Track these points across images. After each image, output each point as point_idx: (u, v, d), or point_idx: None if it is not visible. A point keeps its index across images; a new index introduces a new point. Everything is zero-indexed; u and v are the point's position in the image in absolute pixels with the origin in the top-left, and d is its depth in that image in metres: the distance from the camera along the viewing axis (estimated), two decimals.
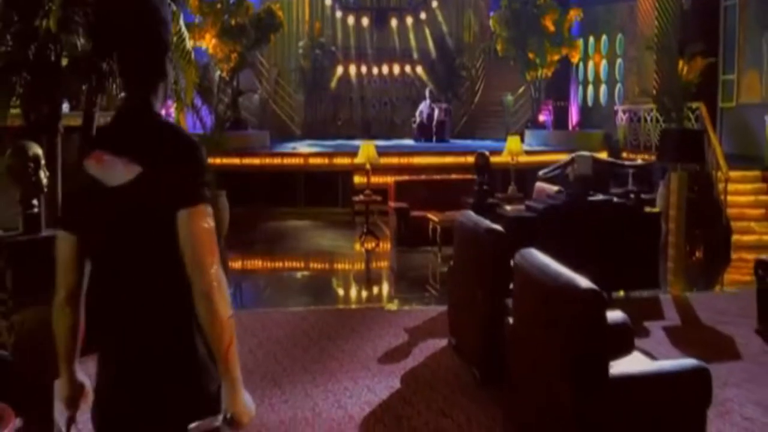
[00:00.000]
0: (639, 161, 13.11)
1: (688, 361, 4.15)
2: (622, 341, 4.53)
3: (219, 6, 17.38)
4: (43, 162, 4.50)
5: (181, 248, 2.16)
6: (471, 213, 6.47)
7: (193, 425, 2.18)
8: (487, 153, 9.16)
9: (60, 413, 2.56)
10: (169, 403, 2.22)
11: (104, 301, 2.32)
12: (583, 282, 3.88)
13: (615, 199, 8.27)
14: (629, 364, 4.13)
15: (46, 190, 4.61)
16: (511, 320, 4.70)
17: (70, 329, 2.39)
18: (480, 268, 5.62)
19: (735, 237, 12.08)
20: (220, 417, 2.24)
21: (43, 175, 4.49)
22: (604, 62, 20.23)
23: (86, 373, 2.50)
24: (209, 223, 2.19)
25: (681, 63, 14.37)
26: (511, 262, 4.78)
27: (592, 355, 3.79)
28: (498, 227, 5.62)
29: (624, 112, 17.41)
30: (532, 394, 4.31)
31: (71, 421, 2.51)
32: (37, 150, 4.49)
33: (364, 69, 22.74)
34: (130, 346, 2.25)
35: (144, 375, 2.22)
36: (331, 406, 5.20)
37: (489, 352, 5.31)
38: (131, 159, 2.18)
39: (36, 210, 4.52)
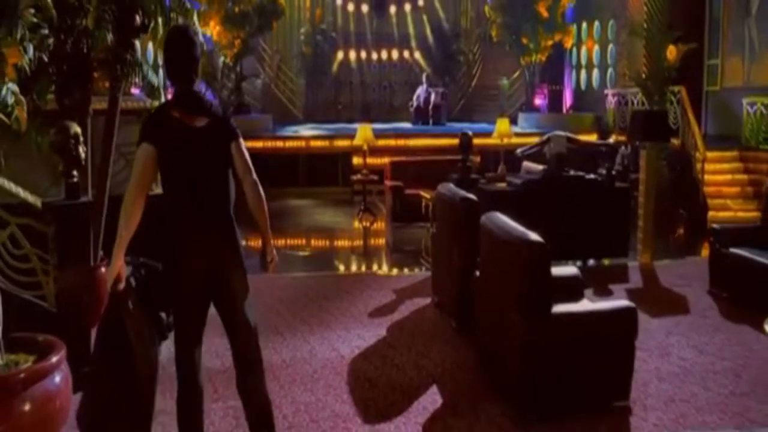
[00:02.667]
0: (611, 141, 13.87)
1: (620, 302, 4.99)
2: (573, 290, 5.38)
3: None
4: (81, 139, 5.31)
5: (234, 162, 3.73)
6: (450, 185, 7.27)
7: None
8: (470, 133, 9.93)
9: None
10: (230, 253, 3.80)
11: (182, 195, 3.71)
12: (533, 236, 4.68)
13: (587, 176, 9.05)
14: (573, 306, 4.95)
15: (83, 163, 5.43)
16: (478, 273, 5.53)
17: (135, 221, 3.63)
18: (456, 231, 6.45)
19: (711, 213, 12.83)
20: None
21: (82, 150, 5.29)
22: (596, 47, 20.79)
23: None
24: (245, 149, 3.78)
25: (669, 48, 15.05)
26: None
27: (537, 294, 4.60)
28: (471, 196, 6.44)
29: (613, 95, 18.13)
30: (492, 329, 5.14)
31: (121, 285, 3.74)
32: (77, 129, 5.30)
33: (363, 54, 23.43)
34: (202, 220, 3.73)
35: (213, 236, 3.76)
36: (325, 349, 6.04)
37: (463, 304, 6.12)
38: (201, 114, 3.71)
39: (75, 179, 5.32)
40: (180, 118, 3.70)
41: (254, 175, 3.78)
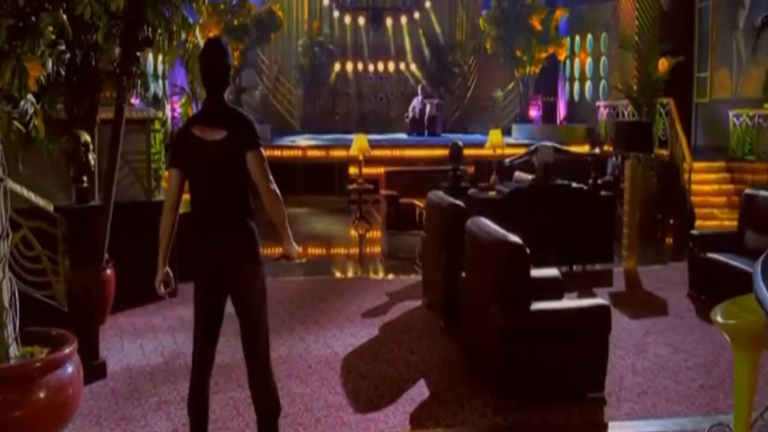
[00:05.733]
0: (597, 151, 14.23)
1: (594, 300, 5.34)
2: (554, 290, 5.71)
3: (222, 6, 18.48)
4: (91, 147, 5.64)
5: (250, 171, 3.97)
6: (439, 192, 7.64)
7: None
8: (460, 143, 10.31)
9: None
10: (245, 250, 4.06)
11: (201, 205, 4.09)
12: (512, 237, 5.03)
13: (573, 184, 9.40)
14: (551, 304, 5.28)
15: (93, 169, 5.76)
16: (464, 274, 5.87)
17: (170, 229, 4.11)
18: (443, 235, 6.80)
19: (698, 222, 13.16)
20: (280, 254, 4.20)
21: (91, 157, 5.62)
22: (589, 60, 21.18)
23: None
24: (263, 157, 4.01)
25: (660, 61, 15.43)
26: None
27: (517, 291, 4.94)
28: (458, 202, 6.80)
29: (605, 107, 18.51)
30: (475, 325, 5.48)
31: (168, 288, 4.20)
32: (87, 137, 5.62)
33: (360, 66, 23.77)
34: (219, 225, 4.05)
35: (227, 238, 4.06)
36: (320, 347, 6.37)
37: (450, 303, 6.45)
38: (220, 128, 3.99)
39: (86, 185, 5.64)
40: (200, 135, 4.01)
41: (270, 183, 4.00)
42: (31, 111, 4.13)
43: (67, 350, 4.50)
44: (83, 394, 4.84)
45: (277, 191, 4.03)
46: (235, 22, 18.44)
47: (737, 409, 4.20)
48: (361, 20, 23.45)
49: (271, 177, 4.03)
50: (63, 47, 4.79)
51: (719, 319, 4.17)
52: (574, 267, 9.44)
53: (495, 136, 14.20)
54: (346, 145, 15.35)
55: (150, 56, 13.09)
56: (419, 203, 11.44)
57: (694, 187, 13.75)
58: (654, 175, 14.15)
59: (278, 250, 4.25)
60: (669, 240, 13.18)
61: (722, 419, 4.74)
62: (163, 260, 4.14)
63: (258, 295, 4.14)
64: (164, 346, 6.42)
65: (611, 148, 16.09)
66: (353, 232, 13.08)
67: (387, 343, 6.45)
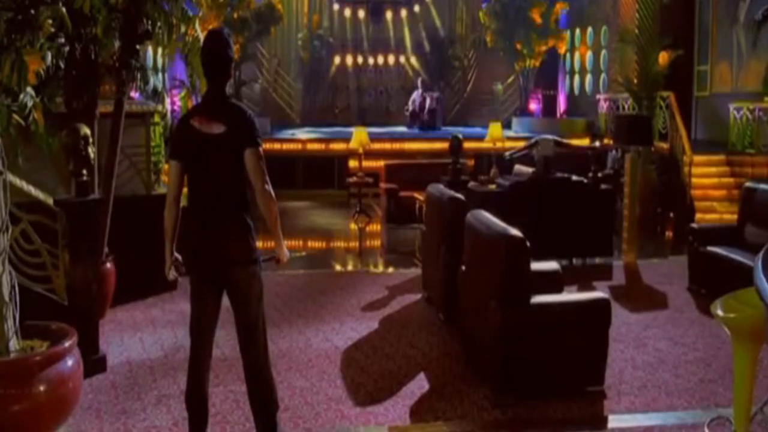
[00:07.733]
0: (597, 144, 14.22)
1: (594, 294, 5.33)
2: (553, 283, 5.72)
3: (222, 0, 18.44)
4: (91, 140, 5.63)
5: (246, 169, 3.97)
6: (440, 185, 7.63)
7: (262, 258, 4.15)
8: (460, 136, 10.31)
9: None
10: (242, 246, 4.05)
11: (199, 197, 4.08)
12: (512, 230, 5.02)
13: (574, 178, 9.39)
14: (551, 297, 5.28)
15: (93, 163, 5.76)
16: (463, 268, 5.87)
17: (174, 220, 4.12)
18: (443, 228, 6.80)
19: (698, 215, 13.15)
20: (270, 255, 4.24)
21: (91, 151, 5.62)
22: (589, 53, 21.13)
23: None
24: (261, 156, 4.00)
25: (660, 54, 15.42)
26: None
27: (516, 285, 4.94)
28: (458, 195, 6.79)
29: (605, 100, 18.48)
30: (474, 319, 5.48)
31: (179, 272, 4.24)
32: (87, 130, 5.61)
33: (360, 59, 23.75)
34: (216, 219, 4.04)
35: (223, 232, 4.04)
36: (320, 341, 6.38)
37: (450, 297, 6.45)
38: (220, 122, 3.97)
39: (85, 178, 5.63)
40: (198, 128, 3.99)
41: (265, 183, 3.99)
42: (30, 104, 4.12)
43: (67, 344, 4.50)
44: (83, 388, 4.84)
45: (272, 193, 4.02)
46: (235, 16, 18.39)
47: (737, 403, 4.20)
48: (361, 13, 23.43)
49: (267, 178, 4.01)
50: (62, 40, 4.78)
51: (719, 312, 4.17)
52: (574, 260, 9.44)
53: (495, 129, 14.20)
54: (346, 139, 15.34)
55: (149, 49, 13.11)
56: (419, 197, 11.45)
57: (694, 180, 13.72)
58: (654, 169, 14.13)
59: (270, 244, 4.24)
60: (669, 233, 13.17)
61: (722, 413, 4.75)
62: (170, 249, 4.17)
63: (255, 291, 4.14)
64: (164, 339, 6.43)
65: (611, 142, 16.11)
66: (353, 226, 13.08)
67: (387, 337, 6.46)
